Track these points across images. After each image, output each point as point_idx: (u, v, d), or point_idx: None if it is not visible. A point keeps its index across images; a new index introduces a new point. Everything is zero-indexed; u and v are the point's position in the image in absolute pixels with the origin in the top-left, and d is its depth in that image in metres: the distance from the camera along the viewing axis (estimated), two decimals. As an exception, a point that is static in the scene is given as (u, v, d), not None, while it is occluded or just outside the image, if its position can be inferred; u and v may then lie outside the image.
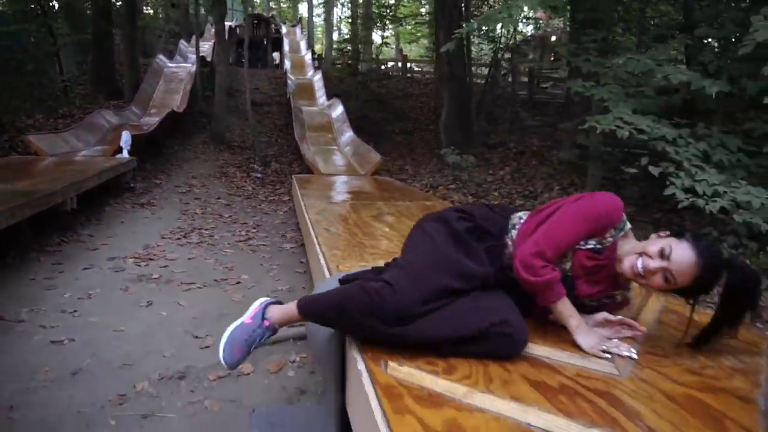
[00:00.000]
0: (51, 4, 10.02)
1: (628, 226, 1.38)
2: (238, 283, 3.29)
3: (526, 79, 12.31)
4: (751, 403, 1.10)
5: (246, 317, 1.42)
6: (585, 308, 1.41)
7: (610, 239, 1.35)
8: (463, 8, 8.82)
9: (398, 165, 8.23)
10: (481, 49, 14.98)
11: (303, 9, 26.27)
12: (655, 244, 1.28)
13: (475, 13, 10.47)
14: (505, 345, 1.23)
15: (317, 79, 12.31)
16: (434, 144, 8.73)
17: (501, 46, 10.83)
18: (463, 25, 5.25)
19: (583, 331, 1.32)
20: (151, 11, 17.52)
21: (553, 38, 13.99)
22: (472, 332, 1.22)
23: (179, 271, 3.45)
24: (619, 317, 1.36)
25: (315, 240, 2.58)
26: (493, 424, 0.99)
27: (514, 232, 1.41)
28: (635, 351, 1.29)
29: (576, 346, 1.31)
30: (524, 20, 13.24)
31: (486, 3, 11.67)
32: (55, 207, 3.85)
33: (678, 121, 3.79)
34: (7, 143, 6.41)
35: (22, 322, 2.56)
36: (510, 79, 11.81)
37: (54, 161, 5.35)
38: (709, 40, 4.78)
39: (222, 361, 1.38)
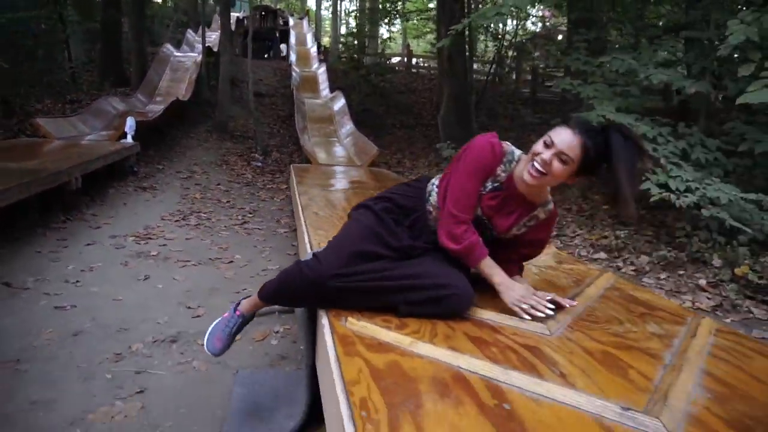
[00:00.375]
0: (62, -9, 10.19)
1: (517, 153, 1.50)
2: (231, 262, 3.47)
3: (530, 77, 12.41)
4: (658, 359, 1.26)
5: (224, 314, 1.71)
6: (516, 241, 1.56)
7: (504, 174, 1.48)
8: (466, 4, 8.92)
9: (397, 158, 8.38)
10: (487, 46, 15.05)
11: (311, 1, 26.39)
12: (537, 144, 1.39)
13: (479, 8, 10.55)
14: (454, 304, 1.40)
15: (321, 71, 12.44)
16: (434, 138, 8.85)
17: (505, 43, 10.92)
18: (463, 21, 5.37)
19: (506, 287, 1.44)
20: (160, 0, 17.68)
21: (560, 37, 14.04)
22: (422, 284, 1.39)
23: (176, 249, 3.63)
24: (551, 295, 1.50)
25: (303, 221, 2.75)
26: (428, 366, 1.16)
27: (431, 199, 1.58)
28: (552, 308, 1.42)
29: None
30: (530, 17, 13.30)
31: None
32: (61, 186, 4.05)
33: (660, 120, 3.93)
34: (16, 126, 6.61)
35: (27, 290, 2.75)
36: (514, 77, 11.90)
37: (61, 144, 5.53)
38: (712, 41, 4.87)
39: (207, 351, 1.66)
